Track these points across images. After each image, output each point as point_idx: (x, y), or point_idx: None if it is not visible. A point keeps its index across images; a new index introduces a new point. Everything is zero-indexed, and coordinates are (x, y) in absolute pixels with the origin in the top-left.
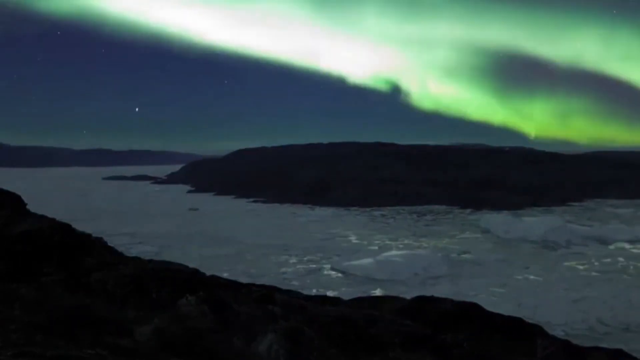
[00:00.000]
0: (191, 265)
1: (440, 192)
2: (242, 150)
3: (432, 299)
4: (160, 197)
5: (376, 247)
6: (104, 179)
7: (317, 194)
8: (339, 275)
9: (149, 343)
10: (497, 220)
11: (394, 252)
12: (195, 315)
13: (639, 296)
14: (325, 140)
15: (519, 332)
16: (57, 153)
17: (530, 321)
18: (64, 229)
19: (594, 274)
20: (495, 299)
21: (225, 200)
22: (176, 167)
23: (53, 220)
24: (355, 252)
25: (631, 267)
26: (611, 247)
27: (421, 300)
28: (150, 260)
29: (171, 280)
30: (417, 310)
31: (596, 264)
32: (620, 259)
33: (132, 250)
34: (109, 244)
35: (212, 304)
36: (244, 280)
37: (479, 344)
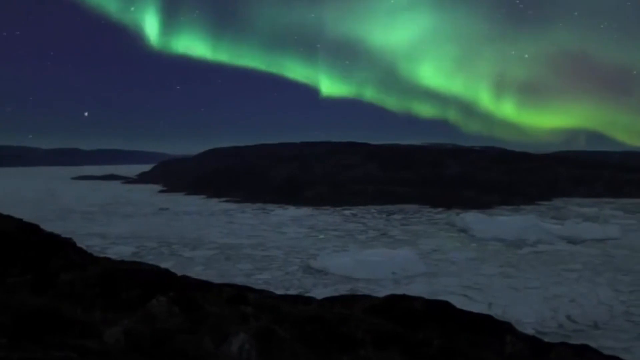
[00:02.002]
0: (162, 265)
1: (411, 191)
2: (213, 149)
3: (404, 298)
4: (131, 197)
5: (353, 247)
6: (73, 178)
7: (289, 193)
8: (316, 274)
9: (117, 344)
10: (472, 220)
11: (371, 251)
12: (166, 316)
13: (607, 294)
14: (297, 139)
15: (488, 329)
16: (24, 153)
17: (501, 319)
18: (32, 230)
19: (564, 272)
20: (468, 298)
21: (196, 200)
22: (147, 167)
23: (20, 220)
24: (331, 251)
25: (600, 265)
26: (581, 245)
27: (393, 298)
28: (121, 261)
29: (141, 281)
30: (389, 308)
31: (567, 262)
32: (590, 257)
33: (108, 251)
34: (80, 245)
35: (183, 304)
36: (216, 280)
37: (449, 341)
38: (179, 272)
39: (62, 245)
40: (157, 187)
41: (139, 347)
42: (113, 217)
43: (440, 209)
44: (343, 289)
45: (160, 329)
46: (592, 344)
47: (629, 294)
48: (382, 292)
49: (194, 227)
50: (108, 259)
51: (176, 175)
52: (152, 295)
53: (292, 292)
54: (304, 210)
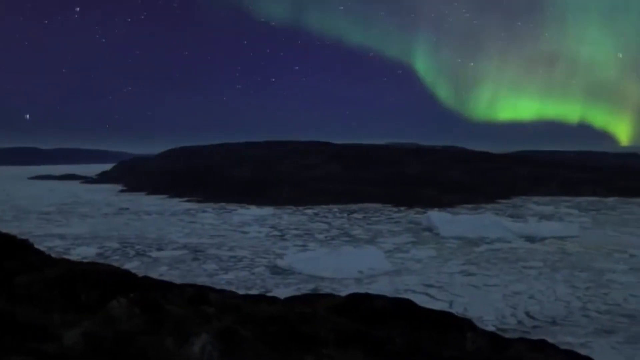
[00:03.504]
0: (127, 266)
1: (373, 190)
2: (175, 148)
3: (366, 296)
4: (90, 197)
5: (317, 246)
6: (30, 178)
7: (252, 193)
8: (282, 274)
9: (76, 347)
10: (435, 218)
11: (337, 251)
12: (126, 318)
13: (564, 290)
14: (261, 138)
15: (450, 326)
16: None
17: (462, 316)
18: None
19: (523, 269)
20: (430, 296)
21: (157, 200)
22: (107, 166)
23: None
24: (296, 251)
25: (558, 262)
26: (541, 243)
27: (355, 297)
28: (79, 262)
29: (101, 283)
30: (352, 307)
31: (526, 259)
32: (548, 254)
33: (72, 252)
34: (40, 246)
35: (143, 305)
36: (179, 281)
37: (410, 339)
38: (143, 273)
39: (19, 247)
40: (118, 187)
41: (98, 349)
42: (71, 217)
43: (402, 208)
44: (306, 288)
45: (120, 331)
46: (551, 340)
47: (585, 290)
48: (345, 291)
49: (154, 227)
50: (67, 260)
51: (137, 175)
52: (112, 297)
53: (254, 291)
54: (266, 210)
